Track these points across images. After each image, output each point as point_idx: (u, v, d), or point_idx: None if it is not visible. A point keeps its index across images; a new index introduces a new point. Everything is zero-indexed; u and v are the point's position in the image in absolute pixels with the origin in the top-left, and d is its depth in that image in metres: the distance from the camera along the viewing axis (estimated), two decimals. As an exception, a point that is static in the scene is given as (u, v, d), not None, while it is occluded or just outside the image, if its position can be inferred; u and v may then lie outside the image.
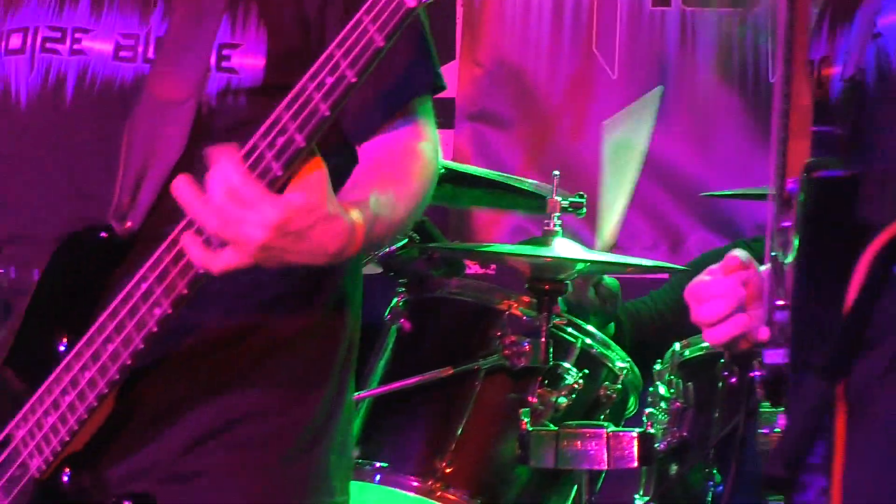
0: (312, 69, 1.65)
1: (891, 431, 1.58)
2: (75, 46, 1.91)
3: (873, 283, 1.51)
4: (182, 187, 1.68)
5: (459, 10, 3.96)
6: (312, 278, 1.93)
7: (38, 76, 1.92)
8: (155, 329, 1.78)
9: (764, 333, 1.60)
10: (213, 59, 1.86)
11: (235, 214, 1.63)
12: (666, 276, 3.52)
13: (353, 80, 1.63)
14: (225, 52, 1.87)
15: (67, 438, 1.82)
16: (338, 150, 1.88)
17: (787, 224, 1.59)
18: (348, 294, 2.00)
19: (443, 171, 2.33)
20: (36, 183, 1.94)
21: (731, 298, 1.70)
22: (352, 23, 1.63)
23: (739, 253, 1.74)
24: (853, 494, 1.53)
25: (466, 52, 3.99)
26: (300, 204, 1.63)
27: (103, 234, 1.85)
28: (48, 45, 1.92)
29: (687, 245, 3.76)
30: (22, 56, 1.92)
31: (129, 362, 1.80)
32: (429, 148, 1.89)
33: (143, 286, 1.78)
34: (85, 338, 1.80)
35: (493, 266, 3.19)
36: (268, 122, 1.66)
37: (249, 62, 1.87)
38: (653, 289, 3.46)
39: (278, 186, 1.66)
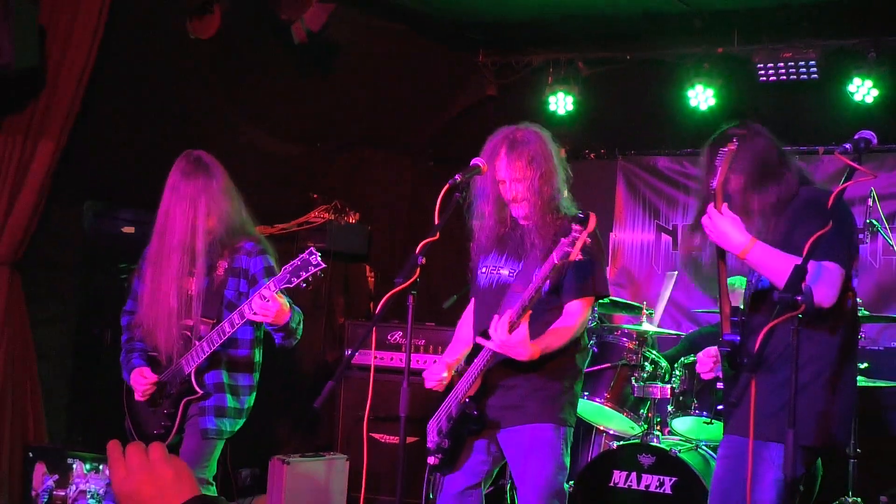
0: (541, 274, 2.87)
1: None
2: (496, 272, 3.48)
3: (769, 333, 2.56)
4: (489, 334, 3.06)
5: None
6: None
7: (487, 282, 3.54)
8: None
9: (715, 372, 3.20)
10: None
11: (504, 343, 3.09)
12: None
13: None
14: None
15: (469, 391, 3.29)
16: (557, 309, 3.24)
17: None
18: (578, 359, 3.55)
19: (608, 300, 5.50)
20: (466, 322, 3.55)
21: (710, 364, 3.32)
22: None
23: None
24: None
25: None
26: (516, 334, 3.02)
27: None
28: (489, 272, 3.51)
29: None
30: (483, 274, 3.55)
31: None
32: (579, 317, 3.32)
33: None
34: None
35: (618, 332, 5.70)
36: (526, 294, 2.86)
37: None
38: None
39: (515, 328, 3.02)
